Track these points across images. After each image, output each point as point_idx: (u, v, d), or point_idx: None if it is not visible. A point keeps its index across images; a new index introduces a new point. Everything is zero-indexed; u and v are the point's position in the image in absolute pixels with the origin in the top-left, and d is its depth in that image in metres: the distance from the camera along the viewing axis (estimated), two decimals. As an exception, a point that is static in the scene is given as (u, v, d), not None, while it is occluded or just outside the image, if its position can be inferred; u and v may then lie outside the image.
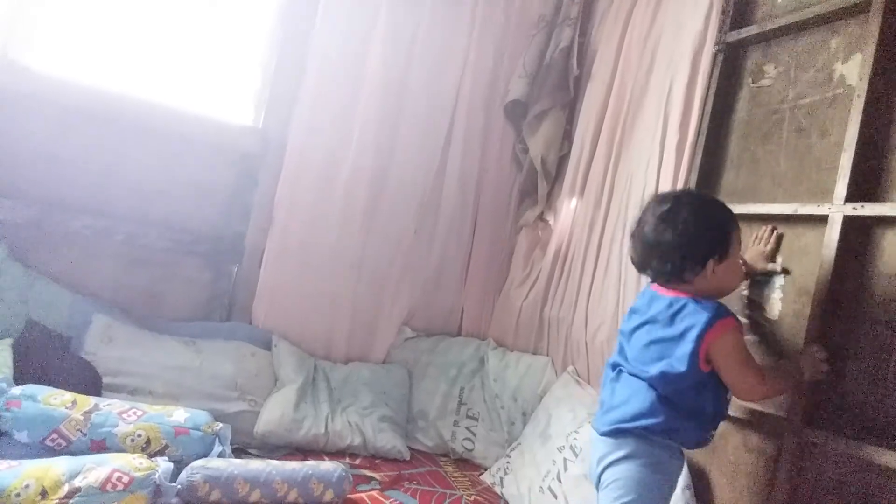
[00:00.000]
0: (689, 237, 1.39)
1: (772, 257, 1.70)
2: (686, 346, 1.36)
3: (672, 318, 1.41)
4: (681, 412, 1.41)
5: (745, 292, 1.74)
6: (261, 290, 2.44)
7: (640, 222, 1.47)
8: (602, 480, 1.47)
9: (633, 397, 1.46)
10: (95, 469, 1.43)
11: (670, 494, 1.46)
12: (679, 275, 1.40)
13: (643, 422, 1.42)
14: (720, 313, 1.37)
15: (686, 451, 1.50)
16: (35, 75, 2.05)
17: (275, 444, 2.11)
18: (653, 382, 1.43)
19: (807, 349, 1.50)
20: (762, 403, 1.63)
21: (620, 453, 1.44)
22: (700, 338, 1.35)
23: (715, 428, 1.48)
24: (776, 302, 1.67)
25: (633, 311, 1.56)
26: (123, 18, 2.25)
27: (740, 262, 1.55)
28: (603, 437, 1.49)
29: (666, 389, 1.41)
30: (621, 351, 1.55)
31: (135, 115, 2.20)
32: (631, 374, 1.49)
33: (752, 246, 1.72)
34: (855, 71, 1.60)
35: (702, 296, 1.41)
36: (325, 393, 2.34)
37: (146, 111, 2.23)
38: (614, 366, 1.55)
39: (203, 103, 2.39)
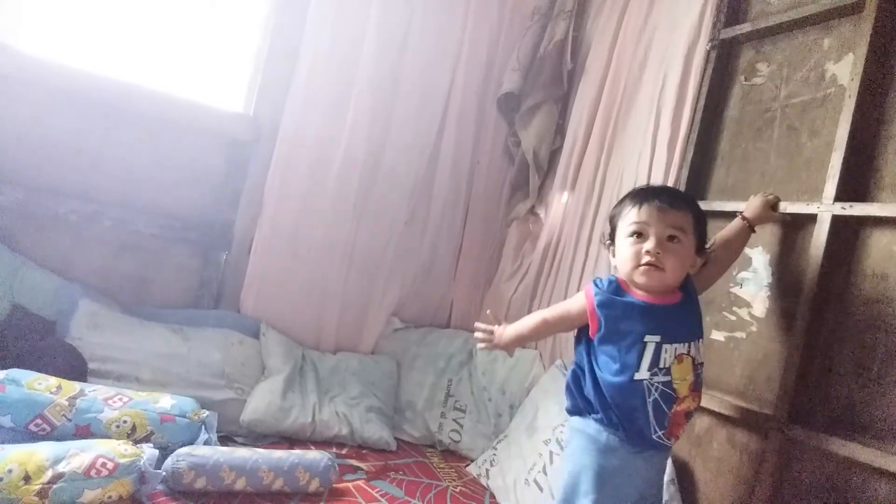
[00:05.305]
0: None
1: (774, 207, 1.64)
2: None
3: None
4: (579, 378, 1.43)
5: (733, 289, 1.75)
6: (250, 279, 2.43)
7: None
8: None
9: None
10: (80, 455, 1.42)
11: (593, 491, 1.35)
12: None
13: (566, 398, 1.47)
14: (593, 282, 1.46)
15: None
16: (23, 57, 2.02)
17: (261, 433, 2.10)
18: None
19: None
20: (748, 401, 1.65)
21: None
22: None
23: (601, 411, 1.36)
24: (763, 300, 1.68)
25: None
26: (115, 1, 2.22)
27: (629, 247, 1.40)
28: None
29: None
30: None
31: (124, 99, 2.17)
32: None
33: (754, 197, 1.66)
34: (847, 71, 1.60)
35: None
36: (312, 382, 2.34)
37: (136, 95, 2.20)
38: None
39: (194, 89, 2.36)
